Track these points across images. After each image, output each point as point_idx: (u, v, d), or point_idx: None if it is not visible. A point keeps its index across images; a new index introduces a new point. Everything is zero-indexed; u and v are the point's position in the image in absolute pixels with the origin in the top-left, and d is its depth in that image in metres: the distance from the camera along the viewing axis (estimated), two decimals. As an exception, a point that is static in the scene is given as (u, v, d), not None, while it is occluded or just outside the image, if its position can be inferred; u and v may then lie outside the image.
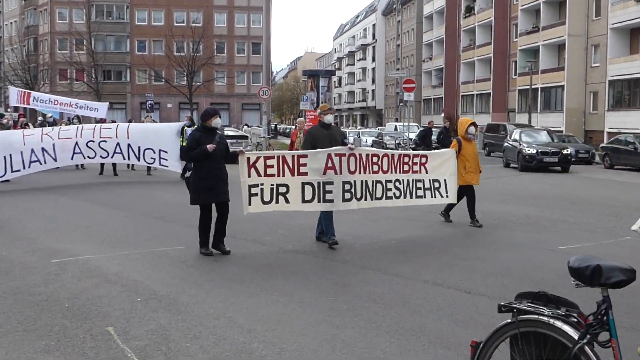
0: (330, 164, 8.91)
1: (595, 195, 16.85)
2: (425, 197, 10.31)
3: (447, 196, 10.72)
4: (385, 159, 9.57)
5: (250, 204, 8.70)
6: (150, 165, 19.18)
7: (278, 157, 8.90)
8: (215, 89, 68.03)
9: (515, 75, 54.97)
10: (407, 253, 8.98)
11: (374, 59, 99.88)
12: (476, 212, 11.27)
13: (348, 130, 53.24)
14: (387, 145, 36.02)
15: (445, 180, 10.67)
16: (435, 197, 10.49)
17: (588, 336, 3.19)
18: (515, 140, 27.41)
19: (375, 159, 9.40)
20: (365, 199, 9.33)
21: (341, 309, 6.20)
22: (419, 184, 10.20)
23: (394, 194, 9.73)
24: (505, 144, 29.16)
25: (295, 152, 9.48)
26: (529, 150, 25.49)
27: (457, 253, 9.04)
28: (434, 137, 24.09)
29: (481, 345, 3.49)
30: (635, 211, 13.44)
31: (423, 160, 10.37)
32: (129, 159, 18.43)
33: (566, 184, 20.26)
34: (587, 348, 3.18)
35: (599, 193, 17.65)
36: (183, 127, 18.42)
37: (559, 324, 3.25)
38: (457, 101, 69.47)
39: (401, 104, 51.80)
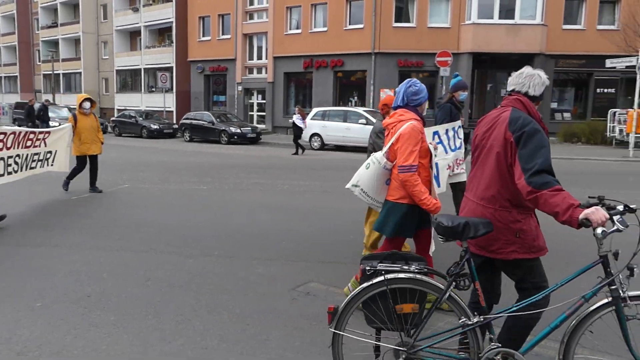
0: None
1: (108, 157, 17.58)
2: (36, 167, 9.56)
3: (52, 165, 9.92)
4: (11, 136, 8.50)
5: None
6: None
7: None
8: None
9: (39, 61, 51.42)
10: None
11: None
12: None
13: None
14: None
15: (56, 151, 10.00)
16: (44, 167, 9.79)
17: (454, 284, 3.03)
18: (38, 118, 26.24)
19: (1, 137, 8.25)
20: None
21: None
22: (36, 157, 9.43)
23: (13, 169, 8.75)
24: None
25: None
26: (44, 127, 24.70)
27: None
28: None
29: (341, 308, 3.01)
30: (133, 166, 14.68)
31: (46, 136, 9.65)
32: None
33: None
34: (453, 294, 3.03)
35: (111, 155, 18.50)
36: None
37: (426, 278, 3.02)
38: (-13, 82, 61.28)
39: None
